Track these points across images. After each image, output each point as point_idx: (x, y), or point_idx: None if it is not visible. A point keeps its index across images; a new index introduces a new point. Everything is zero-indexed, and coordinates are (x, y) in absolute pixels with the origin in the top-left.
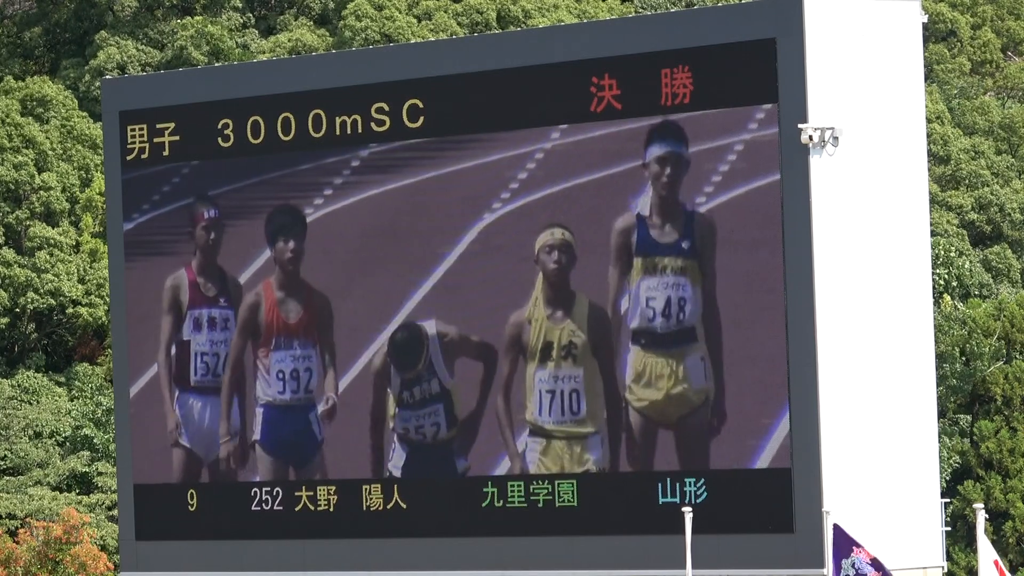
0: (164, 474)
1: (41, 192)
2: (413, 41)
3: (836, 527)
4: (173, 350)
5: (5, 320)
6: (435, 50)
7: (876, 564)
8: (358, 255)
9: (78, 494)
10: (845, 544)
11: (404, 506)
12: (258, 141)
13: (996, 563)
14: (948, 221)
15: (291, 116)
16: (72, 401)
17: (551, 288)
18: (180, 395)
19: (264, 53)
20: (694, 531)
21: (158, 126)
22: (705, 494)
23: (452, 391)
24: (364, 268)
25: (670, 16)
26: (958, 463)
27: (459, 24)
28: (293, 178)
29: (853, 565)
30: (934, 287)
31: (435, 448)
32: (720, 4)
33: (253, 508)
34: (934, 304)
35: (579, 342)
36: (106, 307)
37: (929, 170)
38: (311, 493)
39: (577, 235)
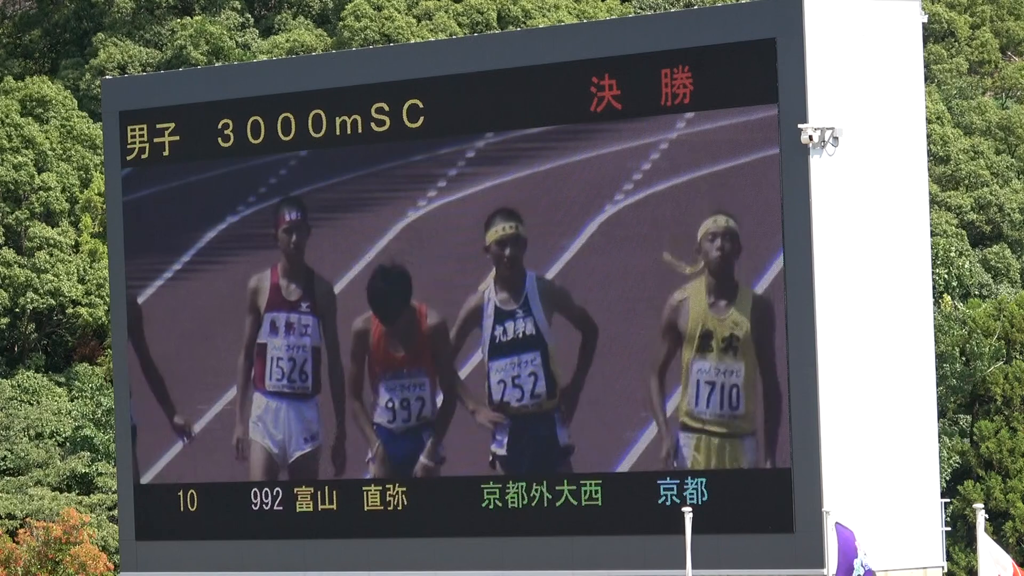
0: (239, 474)
1: (41, 192)
2: (413, 41)
3: (840, 527)
4: (253, 352)
5: (5, 320)
6: (435, 50)
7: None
8: (472, 248)
9: (78, 494)
10: (852, 544)
11: (404, 506)
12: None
13: (1014, 566)
14: (947, 221)
15: (291, 116)
16: (72, 401)
17: (712, 276)
18: (257, 398)
19: (264, 53)
20: (694, 531)
21: (158, 126)
22: (705, 494)
23: (551, 347)
24: (475, 262)
25: (670, 16)
26: (958, 463)
27: (459, 24)
28: (405, 171)
29: (862, 564)
30: (934, 287)
31: (536, 419)
32: (720, 4)
33: (253, 508)
34: (934, 304)
35: (741, 335)
36: (106, 307)
37: (929, 170)
38: (311, 493)
39: (742, 224)
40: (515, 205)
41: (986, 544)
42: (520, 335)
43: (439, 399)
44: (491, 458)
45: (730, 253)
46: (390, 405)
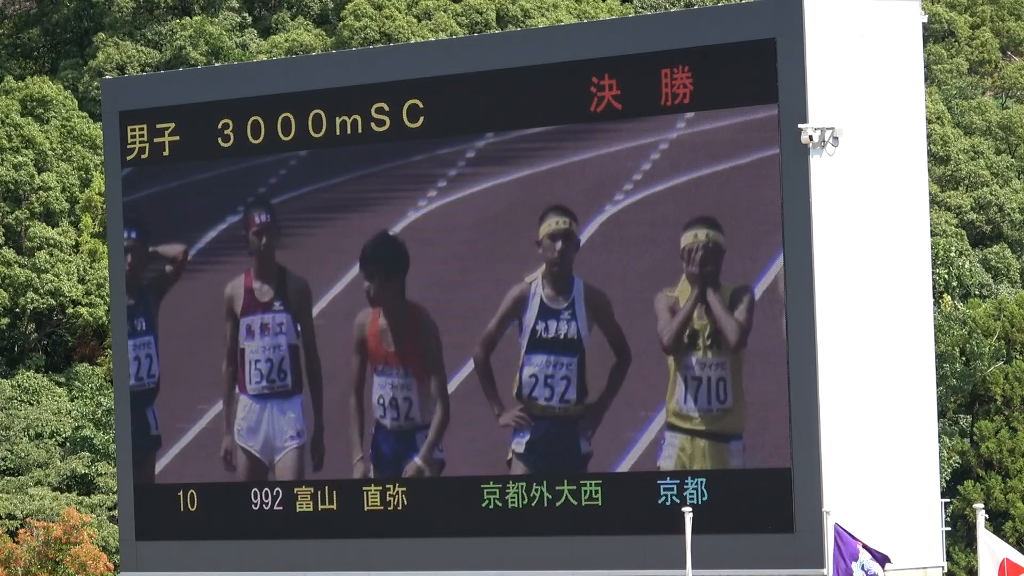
0: (226, 475)
1: (41, 192)
2: (413, 41)
3: (838, 529)
4: (235, 358)
5: (5, 320)
6: (435, 50)
7: (877, 555)
8: (473, 248)
9: (78, 494)
10: (851, 546)
11: (404, 506)
12: (320, 135)
13: (1007, 561)
14: (947, 221)
15: (291, 116)
16: (72, 401)
17: (695, 276)
18: (243, 401)
19: (263, 53)
20: (694, 531)
21: (158, 126)
22: (705, 494)
23: (588, 353)
24: (478, 262)
25: (670, 16)
26: (958, 463)
27: (459, 24)
28: (405, 171)
29: (863, 568)
30: (934, 287)
31: (561, 423)
32: (720, 4)
33: (253, 508)
34: (934, 304)
35: (728, 333)
36: (106, 307)
37: (929, 170)
38: (311, 493)
39: (726, 230)
40: (560, 202)
41: (986, 541)
42: (562, 336)
43: (436, 400)
44: (510, 456)
45: (713, 257)
46: (382, 400)
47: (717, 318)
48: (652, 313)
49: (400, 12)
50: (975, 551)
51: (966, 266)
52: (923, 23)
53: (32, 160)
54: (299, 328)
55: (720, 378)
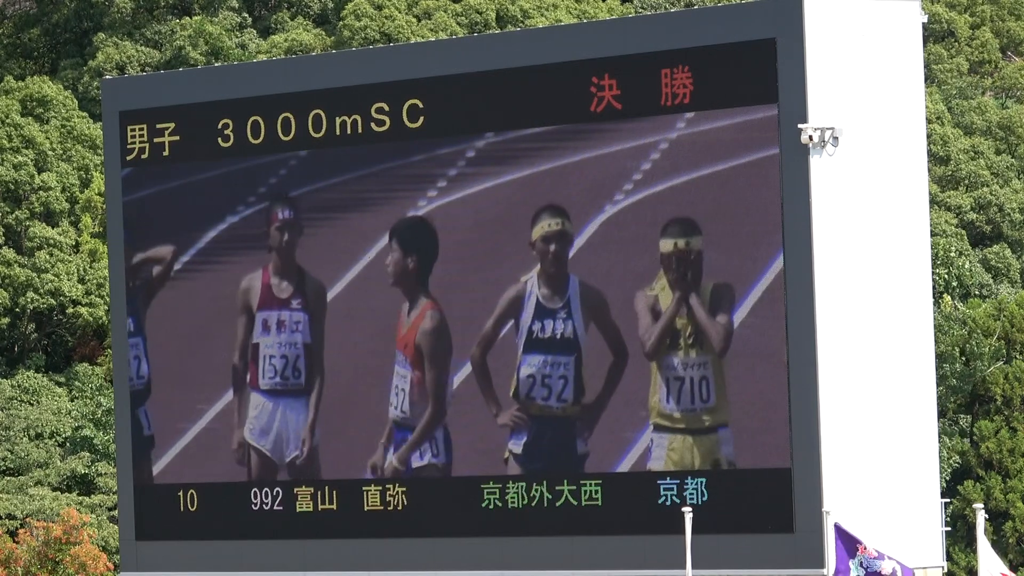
0: (239, 474)
1: (41, 192)
2: (413, 41)
3: (838, 527)
4: (247, 352)
5: (5, 320)
6: (435, 50)
7: (879, 554)
8: (472, 248)
9: (78, 495)
10: (850, 544)
11: (404, 506)
12: (319, 135)
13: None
14: (947, 221)
15: (291, 116)
16: (72, 401)
17: (672, 275)
18: (254, 398)
19: (263, 53)
20: (694, 531)
21: (158, 126)
22: (705, 494)
23: (585, 352)
24: (477, 262)
25: (670, 16)
26: (958, 463)
27: (459, 24)
28: (405, 171)
29: (861, 564)
30: (934, 287)
31: (558, 423)
32: (720, 4)
33: (253, 508)
34: (934, 304)
35: (710, 331)
36: (106, 307)
37: (929, 170)
38: (311, 493)
39: (705, 232)
40: (558, 202)
41: (989, 552)
42: (559, 336)
43: (431, 397)
44: (507, 455)
45: (690, 259)
46: (394, 388)
47: (699, 319)
48: (646, 312)
49: (400, 12)
50: (975, 551)
51: (966, 266)
52: (923, 23)
53: (32, 160)
54: (314, 327)
55: (703, 377)
